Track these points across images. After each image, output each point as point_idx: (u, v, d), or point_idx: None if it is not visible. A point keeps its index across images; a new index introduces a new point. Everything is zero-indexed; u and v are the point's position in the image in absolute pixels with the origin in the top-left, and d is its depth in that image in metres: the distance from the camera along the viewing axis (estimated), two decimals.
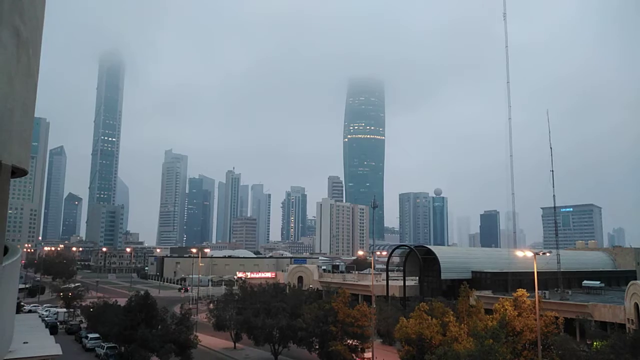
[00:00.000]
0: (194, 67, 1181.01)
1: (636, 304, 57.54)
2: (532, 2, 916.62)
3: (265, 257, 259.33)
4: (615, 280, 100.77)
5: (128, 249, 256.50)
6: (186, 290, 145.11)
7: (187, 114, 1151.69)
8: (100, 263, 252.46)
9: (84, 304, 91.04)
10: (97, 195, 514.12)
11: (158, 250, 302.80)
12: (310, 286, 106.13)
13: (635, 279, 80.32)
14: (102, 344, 61.44)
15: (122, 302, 64.79)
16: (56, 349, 22.15)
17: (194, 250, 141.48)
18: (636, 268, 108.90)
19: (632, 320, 57.69)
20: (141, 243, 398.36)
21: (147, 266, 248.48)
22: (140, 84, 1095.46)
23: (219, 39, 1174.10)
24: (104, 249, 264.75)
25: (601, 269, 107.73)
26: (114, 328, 54.77)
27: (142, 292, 56.98)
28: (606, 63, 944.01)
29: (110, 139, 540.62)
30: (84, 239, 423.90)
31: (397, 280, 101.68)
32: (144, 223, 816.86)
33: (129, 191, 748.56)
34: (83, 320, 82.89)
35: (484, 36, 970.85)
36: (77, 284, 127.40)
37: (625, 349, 38.88)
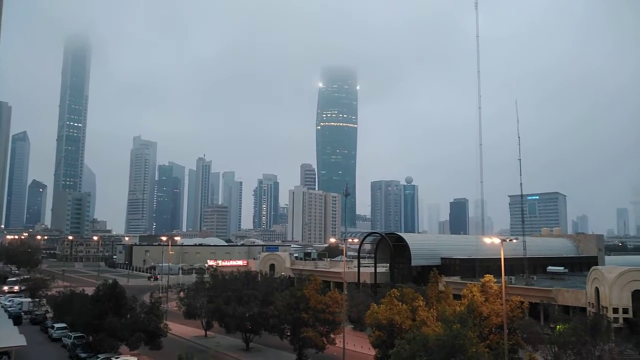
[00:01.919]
0: (162, 52, 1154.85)
1: (597, 289, 59.80)
2: None
3: (237, 245, 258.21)
4: (578, 265, 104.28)
5: (95, 237, 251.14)
6: (156, 279, 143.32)
7: (155, 100, 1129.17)
8: (67, 252, 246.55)
9: (49, 293, 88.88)
10: (63, 182, 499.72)
11: (126, 238, 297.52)
12: (282, 274, 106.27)
13: (597, 265, 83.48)
14: (69, 333, 60.26)
15: (89, 291, 63.59)
16: (20, 340, 21.52)
17: (164, 238, 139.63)
18: (598, 254, 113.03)
19: (593, 304, 59.98)
20: (109, 231, 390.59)
21: (115, 255, 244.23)
22: (107, 68, 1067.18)
23: (188, 25, 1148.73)
24: (70, 237, 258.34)
25: (565, 255, 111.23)
26: (82, 317, 53.76)
27: (110, 281, 56.04)
28: (574, 59, 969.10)
29: (76, 124, 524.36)
30: (49, 227, 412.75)
31: (369, 267, 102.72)
32: (111, 211, 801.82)
33: (96, 178, 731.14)
34: (49, 310, 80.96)
35: (456, 28, 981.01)
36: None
37: (585, 331, 40.36)
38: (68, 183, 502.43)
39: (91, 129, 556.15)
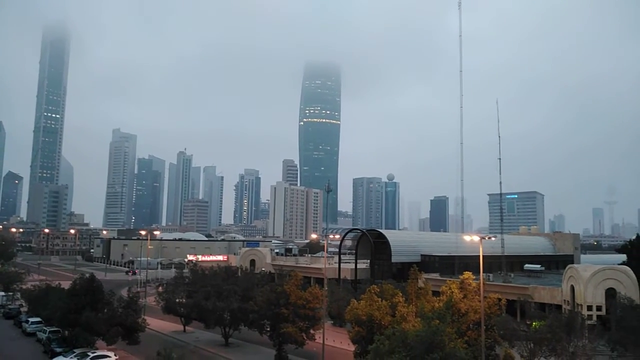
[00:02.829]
0: (143, 45, 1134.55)
1: (572, 287, 61.02)
2: None
3: (217, 240, 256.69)
4: (555, 264, 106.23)
5: (72, 231, 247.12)
6: (134, 273, 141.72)
7: (136, 93, 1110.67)
8: (43, 245, 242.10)
9: (24, 287, 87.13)
10: (39, 174, 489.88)
11: (104, 232, 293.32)
12: (263, 269, 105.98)
13: (573, 263, 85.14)
14: (44, 328, 59.25)
15: (66, 285, 62.53)
16: None
17: (143, 233, 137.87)
18: (574, 253, 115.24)
19: (568, 301, 61.19)
20: (86, 224, 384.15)
21: (92, 249, 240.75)
22: (86, 60, 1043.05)
23: (169, 19, 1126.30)
24: (47, 231, 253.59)
25: (542, 253, 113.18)
26: (57, 312, 52.81)
27: (87, 275, 55.17)
28: (546, 54, 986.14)
29: (54, 115, 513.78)
30: (24, 219, 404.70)
31: (349, 263, 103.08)
32: (89, 204, 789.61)
33: (74, 171, 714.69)
34: (23, 304, 79.41)
35: (440, 27, 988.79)
36: None
37: (560, 328, 41.14)
38: (45, 175, 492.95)
39: (69, 121, 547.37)
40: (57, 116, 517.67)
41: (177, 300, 67.40)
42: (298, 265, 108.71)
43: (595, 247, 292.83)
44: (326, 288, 59.27)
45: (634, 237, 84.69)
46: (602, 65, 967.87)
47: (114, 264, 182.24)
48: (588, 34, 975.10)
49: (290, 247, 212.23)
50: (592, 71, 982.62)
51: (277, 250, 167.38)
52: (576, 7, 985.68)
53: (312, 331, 52.40)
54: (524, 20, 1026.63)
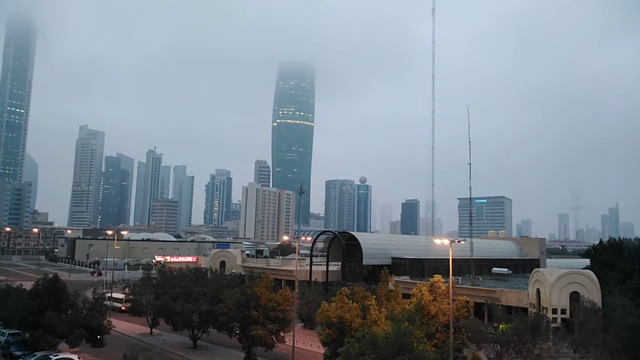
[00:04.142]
0: (112, 42, 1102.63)
1: (538, 290, 62.45)
2: (456, 5, 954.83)
3: (187, 241, 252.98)
4: (522, 267, 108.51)
5: (35, 229, 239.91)
6: (99, 274, 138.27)
7: (104, 90, 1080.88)
8: (4, 244, 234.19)
9: None
10: (2, 171, 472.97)
11: (69, 231, 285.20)
12: (233, 271, 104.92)
13: (539, 267, 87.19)
14: (3, 330, 56.93)
15: (28, 285, 60.42)
16: None
17: (110, 232, 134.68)
18: (540, 257, 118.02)
19: (534, 304, 62.59)
20: (50, 223, 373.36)
21: (56, 248, 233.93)
22: (53, 54, 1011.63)
23: (140, 17, 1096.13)
24: (8, 229, 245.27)
25: (509, 257, 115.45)
26: (18, 313, 50.97)
27: (51, 275, 53.44)
28: (526, 68, 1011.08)
29: (17, 110, 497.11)
30: None
31: (321, 265, 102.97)
32: (54, 202, 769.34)
33: (39, 167, 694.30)
34: None
35: (412, 33, 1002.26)
36: None
37: (526, 330, 41.96)
38: (7, 172, 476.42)
39: (34, 116, 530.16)
40: (22, 111, 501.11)
41: (144, 301, 66.05)
42: (269, 267, 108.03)
43: (561, 252, 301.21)
44: (297, 290, 59.00)
45: (597, 242, 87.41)
46: (568, 69, 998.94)
47: (78, 265, 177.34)
48: (557, 40, 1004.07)
49: (262, 248, 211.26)
50: (557, 75, 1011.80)
51: (248, 252, 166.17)
52: (551, 16, 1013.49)
53: (282, 334, 52.09)
54: (494, 30, 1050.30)
